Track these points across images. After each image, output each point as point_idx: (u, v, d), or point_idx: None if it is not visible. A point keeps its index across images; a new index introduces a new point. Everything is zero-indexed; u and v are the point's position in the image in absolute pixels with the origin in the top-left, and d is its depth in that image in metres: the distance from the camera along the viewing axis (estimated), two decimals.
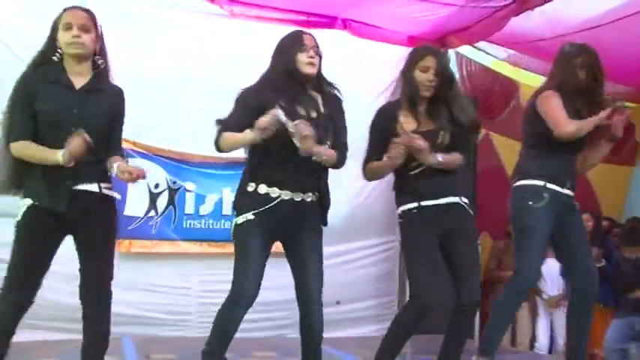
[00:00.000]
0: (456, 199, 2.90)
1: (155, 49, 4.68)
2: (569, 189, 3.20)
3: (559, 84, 3.15)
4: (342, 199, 5.11)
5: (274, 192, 2.60)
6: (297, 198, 2.64)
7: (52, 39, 2.50)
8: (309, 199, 2.69)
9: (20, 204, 2.50)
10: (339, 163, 2.72)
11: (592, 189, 6.02)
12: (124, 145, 4.38)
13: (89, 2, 3.91)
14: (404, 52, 5.26)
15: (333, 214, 5.39)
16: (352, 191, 5.24)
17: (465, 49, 5.61)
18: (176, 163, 4.77)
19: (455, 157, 2.87)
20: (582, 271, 3.22)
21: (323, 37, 4.90)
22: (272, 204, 2.58)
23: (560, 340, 5.06)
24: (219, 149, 2.70)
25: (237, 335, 2.60)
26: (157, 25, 4.71)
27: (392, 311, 5.20)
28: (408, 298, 2.96)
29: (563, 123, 3.02)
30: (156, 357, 3.84)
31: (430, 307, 2.73)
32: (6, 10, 4.29)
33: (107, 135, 2.57)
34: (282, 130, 2.44)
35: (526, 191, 3.20)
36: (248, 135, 2.51)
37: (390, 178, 4.43)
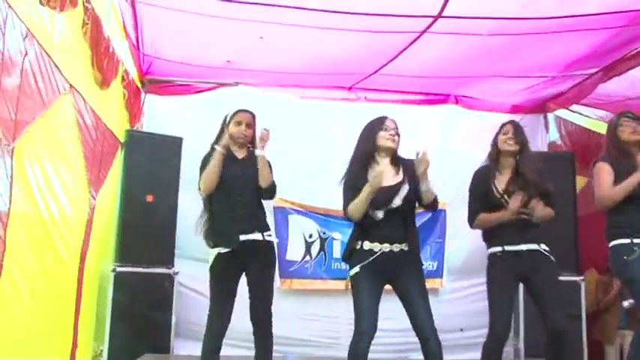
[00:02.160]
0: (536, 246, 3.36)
1: (307, 130, 5.92)
2: None
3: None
4: (464, 243, 5.99)
5: (375, 247, 3.07)
6: (395, 249, 3.07)
7: (222, 129, 3.52)
8: (405, 249, 3.08)
9: (210, 252, 3.42)
10: (436, 201, 3.21)
11: None
12: (285, 204, 5.69)
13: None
14: (508, 119, 6.20)
15: (458, 255, 6.40)
16: (472, 236, 6.03)
17: (562, 112, 6.28)
18: (325, 217, 5.85)
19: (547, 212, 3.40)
20: None
21: (440, 111, 6.03)
22: (374, 256, 3.04)
23: None
24: (351, 220, 3.22)
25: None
26: (307, 112, 5.95)
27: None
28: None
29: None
30: None
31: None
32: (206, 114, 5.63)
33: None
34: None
35: (617, 250, 3.43)
36: (364, 196, 3.04)
37: None
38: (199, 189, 3.47)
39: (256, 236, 3.35)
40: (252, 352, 3.42)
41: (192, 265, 5.22)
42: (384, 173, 3.08)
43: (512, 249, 3.36)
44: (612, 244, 3.48)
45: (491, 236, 3.51)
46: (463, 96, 6.12)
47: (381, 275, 3.07)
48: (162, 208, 4.98)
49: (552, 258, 3.41)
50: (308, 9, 4.11)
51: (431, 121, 6.10)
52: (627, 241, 3.37)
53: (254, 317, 3.34)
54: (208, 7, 4.11)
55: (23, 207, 2.72)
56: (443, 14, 4.09)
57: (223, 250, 3.34)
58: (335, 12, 4.15)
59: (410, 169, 3.18)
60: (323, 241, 5.83)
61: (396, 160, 3.26)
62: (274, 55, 5.06)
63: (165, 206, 5.01)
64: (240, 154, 3.49)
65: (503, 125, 3.60)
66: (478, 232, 5.88)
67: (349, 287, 3.15)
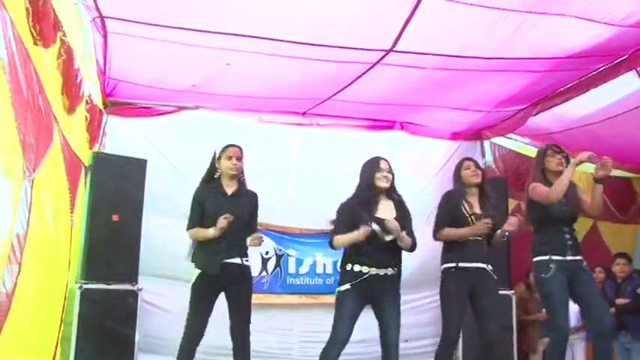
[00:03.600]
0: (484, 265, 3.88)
1: (264, 151, 6.23)
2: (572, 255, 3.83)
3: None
4: (410, 260, 6.42)
5: (365, 269, 3.52)
6: (381, 273, 3.54)
7: (213, 164, 3.83)
8: (390, 273, 3.57)
9: (193, 272, 3.73)
10: (414, 245, 3.69)
11: (606, 246, 7.13)
12: None
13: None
14: (448, 145, 6.79)
15: (405, 270, 6.88)
16: (416, 253, 6.50)
17: (497, 139, 6.95)
18: (281, 235, 6.22)
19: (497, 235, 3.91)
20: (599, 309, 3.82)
21: (386, 136, 6.51)
22: (362, 278, 3.50)
23: None
24: (333, 247, 3.71)
25: None
26: (264, 134, 6.27)
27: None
28: None
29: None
30: None
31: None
32: (167, 135, 6.00)
33: (248, 223, 3.82)
34: (372, 234, 3.49)
35: (537, 266, 3.90)
36: (353, 236, 3.49)
37: None
38: (187, 229, 3.83)
39: (236, 260, 3.72)
40: None
41: (155, 282, 5.48)
42: (380, 212, 3.58)
43: (464, 265, 3.82)
44: (534, 260, 3.97)
45: (448, 252, 3.97)
46: (408, 122, 6.63)
47: (366, 296, 3.51)
48: (127, 226, 5.16)
49: (495, 276, 3.89)
50: (271, 39, 4.47)
51: (377, 146, 6.53)
52: (546, 258, 3.84)
53: (235, 337, 3.71)
54: (177, 35, 4.38)
55: (39, 230, 2.94)
56: (394, 49, 4.57)
57: (209, 272, 3.69)
58: (296, 42, 4.53)
59: (404, 210, 3.71)
60: (279, 257, 6.20)
61: (392, 195, 3.72)
62: (236, 80, 5.35)
63: (130, 225, 5.20)
64: (229, 189, 3.79)
65: (463, 161, 4.14)
66: (422, 250, 6.34)
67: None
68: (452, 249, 3.91)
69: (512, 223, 3.84)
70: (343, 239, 3.56)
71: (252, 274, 5.80)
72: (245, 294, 3.76)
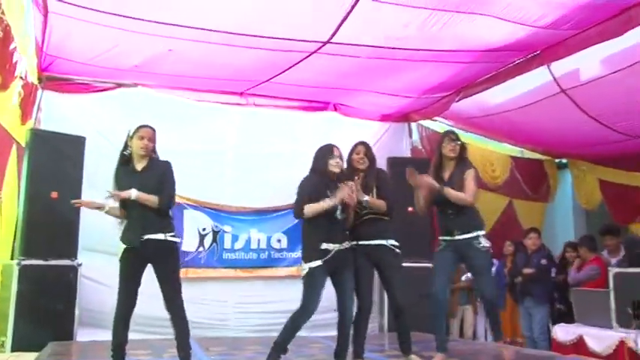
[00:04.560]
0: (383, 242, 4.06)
1: (202, 130, 6.42)
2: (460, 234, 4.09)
3: None
4: None
5: (330, 246, 3.74)
6: (343, 247, 3.79)
7: (126, 142, 3.86)
8: (348, 247, 3.83)
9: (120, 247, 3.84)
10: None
11: (519, 221, 7.77)
12: (181, 200, 6.17)
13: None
14: (379, 126, 7.18)
15: None
16: None
17: (423, 121, 7.38)
18: (217, 212, 6.44)
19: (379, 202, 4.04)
20: (482, 286, 4.28)
21: (320, 117, 6.80)
22: (330, 255, 3.71)
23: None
24: (300, 217, 3.81)
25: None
26: (202, 114, 6.45)
27: (374, 315, 6.69)
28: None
29: None
30: (213, 349, 4.96)
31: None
32: (105, 113, 6.06)
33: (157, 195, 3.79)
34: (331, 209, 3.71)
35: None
36: (325, 204, 3.69)
37: None
38: None
39: (158, 236, 3.80)
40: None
41: (95, 257, 5.59)
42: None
43: (363, 243, 4.07)
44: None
45: (350, 233, 4.09)
46: (341, 104, 6.94)
47: (331, 269, 3.76)
48: (66, 203, 5.16)
49: (397, 251, 4.11)
50: (216, 30, 4.65)
51: (312, 126, 6.84)
52: (440, 237, 4.26)
53: (168, 308, 3.86)
54: (120, 22, 4.49)
55: None
56: (331, 41, 4.85)
57: (130, 246, 3.80)
58: (240, 34, 4.73)
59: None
60: (215, 233, 6.42)
61: (341, 180, 3.91)
62: (177, 62, 5.47)
63: (70, 202, 5.26)
64: (139, 165, 3.89)
65: (356, 146, 4.27)
66: None
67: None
68: (351, 230, 4.09)
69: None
70: (315, 207, 3.76)
71: (190, 250, 6.30)
72: (171, 267, 3.88)
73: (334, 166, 3.90)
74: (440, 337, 4.19)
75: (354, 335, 4.05)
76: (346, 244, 3.88)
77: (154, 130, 3.94)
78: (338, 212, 3.81)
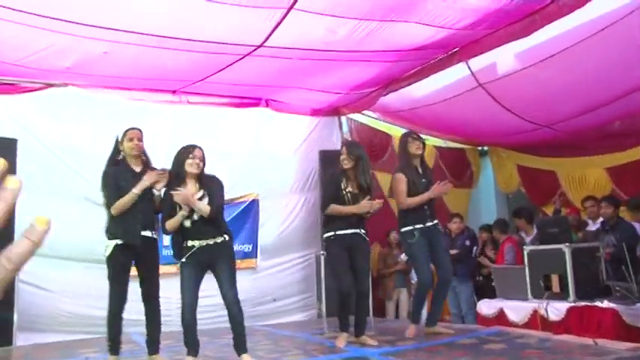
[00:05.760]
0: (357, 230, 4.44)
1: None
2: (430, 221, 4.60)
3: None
4: (273, 227, 7.10)
5: (196, 243, 3.90)
6: (210, 242, 3.91)
7: (116, 147, 4.08)
8: (219, 241, 3.93)
9: (107, 244, 3.94)
10: (213, 213, 3.88)
11: (446, 207, 8.17)
12: None
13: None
14: (309, 120, 7.43)
15: (268, 238, 7.48)
16: (280, 221, 7.10)
17: (353, 115, 7.68)
18: None
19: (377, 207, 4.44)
20: (447, 266, 4.71)
21: (252, 113, 6.98)
22: (194, 250, 3.89)
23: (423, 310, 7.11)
24: (167, 233, 4.02)
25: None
26: (135, 112, 6.30)
27: (312, 303, 7.01)
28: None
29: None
30: (162, 342, 4.68)
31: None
32: (36, 114, 6.01)
33: (151, 199, 4.04)
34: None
35: (405, 235, 4.65)
36: (178, 219, 3.84)
37: (304, 214, 6.37)
38: (107, 206, 4.02)
39: (147, 233, 4.03)
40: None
41: (32, 260, 5.51)
42: (188, 192, 3.91)
43: (341, 233, 4.42)
44: (402, 230, 4.70)
45: (329, 223, 4.54)
46: (273, 100, 7.11)
47: (202, 264, 3.94)
48: None
49: (367, 238, 4.51)
50: (149, 34, 4.74)
51: (245, 123, 7.01)
52: (410, 228, 4.61)
53: (147, 303, 4.14)
54: (50, 24, 4.48)
55: None
56: (265, 44, 5.05)
57: (120, 242, 3.95)
58: (174, 38, 4.85)
59: (209, 186, 4.02)
60: None
61: (201, 179, 4.06)
62: (109, 63, 5.48)
63: None
64: (137, 167, 4.09)
65: (342, 146, 4.60)
66: (285, 219, 7.12)
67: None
68: (334, 220, 4.47)
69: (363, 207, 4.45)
70: (172, 222, 3.92)
71: None
72: (156, 265, 4.15)
73: (190, 165, 4.00)
74: (415, 314, 4.80)
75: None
76: (219, 239, 3.94)
77: (140, 131, 4.16)
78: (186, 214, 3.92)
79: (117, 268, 3.96)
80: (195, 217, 3.91)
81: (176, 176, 4.01)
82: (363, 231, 4.49)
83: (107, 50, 5.04)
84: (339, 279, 4.40)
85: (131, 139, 4.08)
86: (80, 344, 5.10)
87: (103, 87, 6.23)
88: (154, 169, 4.17)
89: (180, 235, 3.99)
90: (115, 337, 3.99)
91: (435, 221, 4.69)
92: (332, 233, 4.46)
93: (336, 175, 4.59)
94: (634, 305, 4.47)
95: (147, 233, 4.03)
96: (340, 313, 4.48)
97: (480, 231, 7.40)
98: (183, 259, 3.93)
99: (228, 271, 3.94)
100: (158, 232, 4.20)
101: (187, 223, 3.91)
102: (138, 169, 4.10)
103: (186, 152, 4.05)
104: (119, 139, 4.15)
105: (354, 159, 4.46)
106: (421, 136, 5.03)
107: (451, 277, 4.88)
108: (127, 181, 3.99)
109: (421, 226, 4.58)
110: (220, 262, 3.94)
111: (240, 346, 3.90)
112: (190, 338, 3.93)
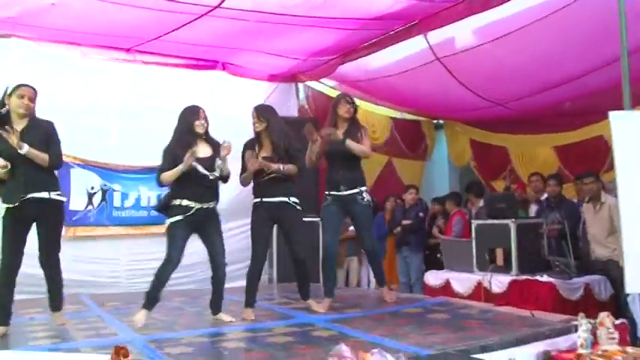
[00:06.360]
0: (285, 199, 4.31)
1: (88, 87, 6.26)
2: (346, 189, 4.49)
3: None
4: (226, 193, 6.95)
5: (192, 204, 3.97)
6: (205, 206, 4.01)
7: (3, 100, 3.75)
8: (212, 206, 4.06)
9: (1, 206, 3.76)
10: (227, 178, 4.15)
11: (399, 178, 8.37)
12: (67, 159, 6.04)
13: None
14: (266, 86, 7.35)
15: (222, 202, 7.43)
16: (232, 187, 7.06)
17: (310, 82, 7.64)
18: (106, 170, 6.36)
19: (290, 167, 4.28)
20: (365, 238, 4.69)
21: (208, 76, 6.85)
22: (191, 212, 3.94)
23: (372, 278, 7.21)
24: (161, 185, 4.06)
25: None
26: (89, 70, 6.29)
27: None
28: None
29: None
30: (109, 304, 5.01)
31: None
32: None
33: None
34: (192, 168, 3.91)
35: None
36: (178, 169, 3.86)
37: None
38: None
39: (42, 195, 3.79)
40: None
41: None
42: (198, 151, 3.98)
43: (267, 200, 4.33)
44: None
45: (254, 190, 4.45)
46: (229, 63, 6.99)
47: (193, 226, 4.00)
48: None
49: (298, 207, 4.39)
50: None
51: (200, 85, 6.85)
52: (326, 192, 4.63)
53: (43, 265, 3.90)
54: None
55: None
56: (221, 5, 4.94)
57: (11, 205, 3.74)
58: None
59: (218, 150, 4.08)
60: (104, 192, 6.36)
61: (207, 139, 4.17)
62: (58, 15, 5.25)
63: None
64: (19, 125, 3.77)
65: (252, 112, 4.44)
66: (237, 184, 7.06)
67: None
68: (258, 186, 4.40)
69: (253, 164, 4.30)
70: (170, 174, 3.96)
71: (79, 209, 6.21)
72: (51, 226, 3.90)
73: (198, 126, 4.09)
74: (329, 284, 4.64)
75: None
76: (212, 204, 4.07)
77: (35, 91, 3.86)
78: (207, 174, 4.00)
79: (5, 231, 3.77)
80: (211, 176, 3.99)
81: (185, 136, 4.04)
82: (293, 199, 4.38)
83: (55, 2, 4.82)
84: (254, 248, 4.38)
85: (21, 97, 3.78)
86: (23, 304, 5.01)
87: (54, 41, 5.99)
88: (41, 122, 3.89)
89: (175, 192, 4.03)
90: (2, 305, 3.77)
91: (356, 190, 4.54)
92: (259, 200, 4.38)
93: (249, 142, 4.48)
94: (570, 280, 4.68)
95: (41, 194, 3.80)
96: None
97: (433, 203, 7.55)
98: (179, 217, 3.94)
99: (219, 235, 4.13)
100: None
101: (211, 176, 3.98)
102: (20, 127, 3.78)
103: (192, 114, 4.10)
104: (7, 92, 3.82)
105: (264, 121, 4.35)
106: (354, 100, 4.85)
107: (373, 249, 4.77)
108: (5, 141, 3.67)
109: (334, 193, 4.56)
110: (212, 226, 4.09)
111: (218, 306, 4.19)
112: (157, 294, 4.00)
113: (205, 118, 4.14)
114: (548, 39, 5.27)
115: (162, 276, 3.95)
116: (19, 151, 3.66)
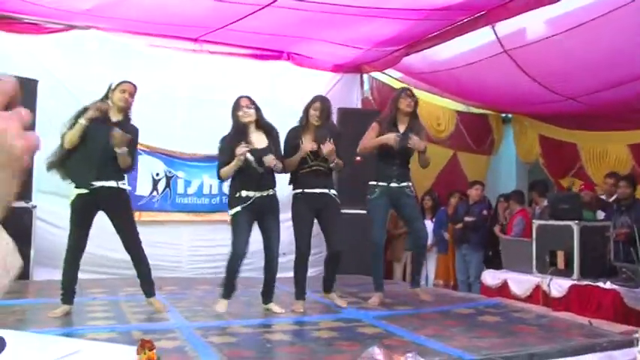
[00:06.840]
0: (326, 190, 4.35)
1: (156, 76, 6.44)
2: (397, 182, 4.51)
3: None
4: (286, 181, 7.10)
5: (250, 193, 4.10)
6: (264, 194, 4.12)
7: (107, 94, 4.01)
8: (271, 193, 4.16)
9: (72, 191, 3.97)
10: (284, 169, 4.23)
11: (463, 172, 8.17)
12: None
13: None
14: (331, 76, 7.32)
15: (282, 191, 7.52)
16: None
17: (375, 73, 7.57)
18: (170, 157, 6.56)
19: (340, 163, 4.37)
20: (421, 230, 4.70)
21: (272, 66, 6.90)
22: (250, 201, 4.07)
23: (431, 275, 7.17)
24: (221, 179, 4.27)
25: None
26: (156, 59, 6.47)
27: (322, 259, 7.06)
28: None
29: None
30: (166, 288, 5.17)
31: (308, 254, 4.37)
32: (58, 55, 6.04)
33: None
34: (248, 161, 4.00)
35: (369, 189, 4.61)
36: (233, 165, 4.00)
37: None
38: (62, 141, 3.93)
39: (110, 183, 3.97)
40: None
41: (49, 199, 5.68)
42: (253, 142, 4.07)
43: (309, 191, 4.35)
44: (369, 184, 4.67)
45: (294, 181, 4.46)
46: (294, 53, 7.01)
47: (253, 214, 4.07)
48: None
49: (337, 200, 4.42)
50: None
51: (264, 75, 6.92)
52: (374, 183, 4.59)
53: (127, 247, 4.12)
54: None
55: None
56: None
57: (82, 191, 3.93)
58: None
59: (273, 136, 4.16)
60: (168, 179, 6.57)
61: (261, 125, 4.19)
62: (130, 6, 5.46)
63: None
64: (115, 117, 4.00)
65: (315, 101, 4.41)
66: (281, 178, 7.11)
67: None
68: (298, 178, 4.40)
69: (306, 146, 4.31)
70: (227, 170, 4.08)
71: (143, 194, 6.44)
72: (125, 215, 4.09)
73: (244, 116, 4.14)
74: (377, 278, 4.62)
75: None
76: (271, 191, 4.13)
77: (135, 87, 4.11)
78: (258, 168, 4.03)
79: (74, 216, 3.97)
80: (260, 170, 4.02)
81: (236, 128, 4.13)
82: (332, 191, 4.40)
83: None
84: (298, 239, 4.41)
85: (124, 91, 4.02)
86: (91, 283, 5.27)
87: (124, 31, 6.22)
88: (131, 125, 4.08)
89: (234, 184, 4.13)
90: (67, 286, 3.99)
91: (404, 184, 4.56)
92: (300, 191, 4.39)
93: (296, 130, 4.47)
94: (637, 288, 4.43)
95: (109, 183, 3.95)
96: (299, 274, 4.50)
97: (499, 199, 7.29)
98: (237, 209, 4.03)
99: (277, 226, 4.16)
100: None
101: (260, 170, 4.01)
102: (115, 118, 4.00)
103: (236, 106, 4.19)
104: (111, 87, 4.07)
105: (324, 119, 4.34)
106: (415, 94, 4.82)
107: (425, 242, 4.79)
108: (98, 127, 3.84)
109: (384, 184, 4.53)
110: (271, 216, 4.14)
111: (269, 296, 4.24)
112: (231, 284, 4.12)
113: (248, 106, 4.16)
114: (621, 31, 4.97)
115: (231, 268, 4.07)
116: (115, 149, 3.84)
